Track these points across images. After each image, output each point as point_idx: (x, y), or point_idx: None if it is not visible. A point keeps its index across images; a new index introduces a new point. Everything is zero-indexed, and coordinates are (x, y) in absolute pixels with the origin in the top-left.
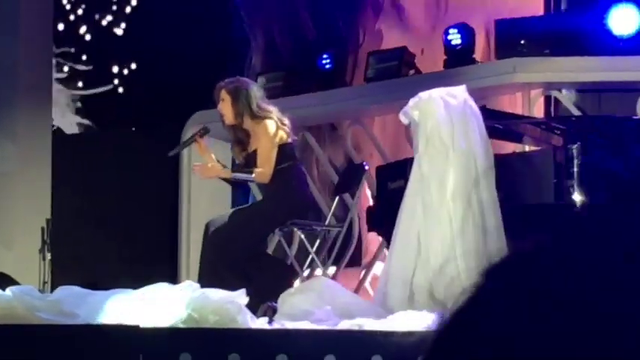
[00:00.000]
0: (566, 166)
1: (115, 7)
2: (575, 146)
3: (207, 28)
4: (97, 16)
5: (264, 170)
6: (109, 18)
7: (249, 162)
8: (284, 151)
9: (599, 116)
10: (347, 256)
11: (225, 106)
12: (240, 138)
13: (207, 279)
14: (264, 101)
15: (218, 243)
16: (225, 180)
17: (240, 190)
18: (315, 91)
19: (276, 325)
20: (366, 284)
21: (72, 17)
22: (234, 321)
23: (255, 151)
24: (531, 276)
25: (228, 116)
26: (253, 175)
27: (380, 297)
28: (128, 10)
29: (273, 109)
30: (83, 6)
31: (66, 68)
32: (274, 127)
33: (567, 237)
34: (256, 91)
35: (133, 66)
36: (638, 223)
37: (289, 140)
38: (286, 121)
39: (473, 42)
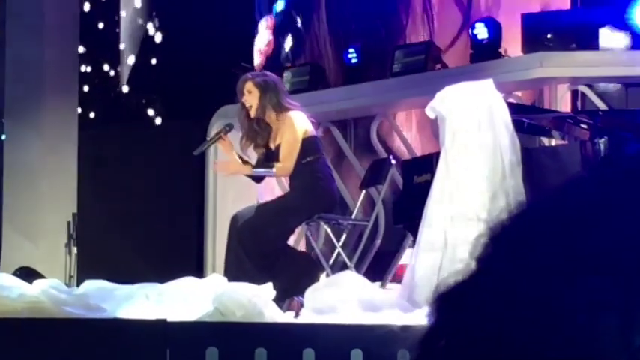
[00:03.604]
0: (593, 160)
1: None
2: (602, 140)
3: (233, 23)
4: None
5: (285, 165)
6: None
7: (271, 158)
8: (309, 144)
9: (626, 110)
10: (373, 250)
11: (252, 98)
12: (256, 131)
13: (233, 273)
14: (288, 96)
15: (244, 236)
16: (248, 175)
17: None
18: (341, 85)
19: (302, 320)
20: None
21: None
22: (261, 315)
23: (278, 147)
24: (551, 227)
25: (254, 108)
26: (274, 170)
27: (406, 291)
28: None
29: (297, 104)
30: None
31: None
32: (300, 119)
33: (588, 188)
34: (281, 84)
35: (156, 61)
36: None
37: (313, 134)
38: (308, 115)
39: (499, 36)
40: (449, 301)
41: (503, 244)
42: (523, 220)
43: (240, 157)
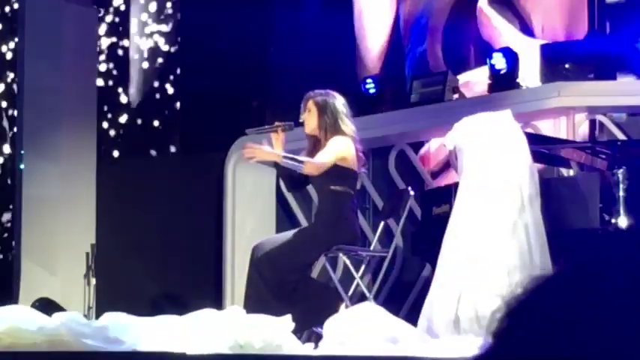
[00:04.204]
0: (612, 190)
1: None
2: (620, 170)
3: (252, 51)
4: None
5: (316, 162)
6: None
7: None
8: (347, 174)
9: None
10: (391, 281)
11: (310, 117)
12: (315, 150)
13: (252, 304)
14: (349, 118)
15: (263, 267)
16: (278, 170)
17: (286, 214)
18: (358, 115)
19: (321, 351)
20: None
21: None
22: (280, 347)
23: None
24: (565, 302)
25: (311, 127)
26: (302, 165)
27: (425, 322)
28: (169, 29)
29: (353, 129)
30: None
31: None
32: (341, 143)
33: (604, 263)
34: (343, 106)
35: (174, 90)
36: None
37: (354, 167)
38: (359, 147)
39: (517, 66)
40: None
41: (519, 318)
42: (538, 295)
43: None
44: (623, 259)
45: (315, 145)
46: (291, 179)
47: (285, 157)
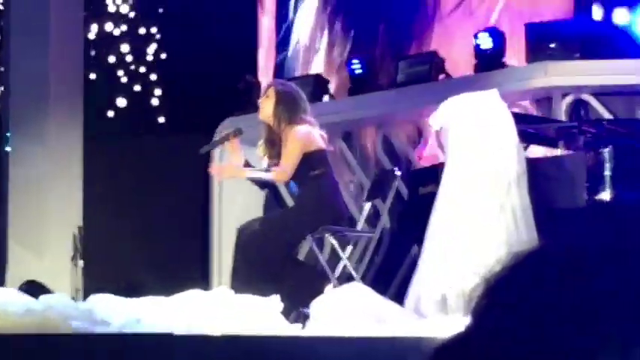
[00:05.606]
0: (598, 169)
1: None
2: (607, 149)
3: (238, 34)
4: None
5: (284, 169)
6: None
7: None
8: (316, 157)
9: (630, 120)
10: (378, 261)
11: (267, 103)
12: (272, 139)
13: (239, 285)
14: (305, 113)
15: (250, 249)
16: (251, 179)
17: (273, 195)
18: (345, 96)
19: (309, 332)
20: None
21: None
22: (268, 328)
23: None
24: (545, 278)
25: (266, 113)
26: (271, 174)
27: (412, 302)
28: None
29: (311, 120)
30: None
31: None
32: (301, 132)
33: (585, 237)
34: (303, 103)
35: (162, 73)
36: None
37: (321, 148)
38: (321, 131)
39: (503, 46)
40: (447, 356)
41: (497, 296)
42: (517, 272)
43: (247, 163)
44: (605, 233)
45: (269, 133)
46: (262, 181)
47: (250, 176)
